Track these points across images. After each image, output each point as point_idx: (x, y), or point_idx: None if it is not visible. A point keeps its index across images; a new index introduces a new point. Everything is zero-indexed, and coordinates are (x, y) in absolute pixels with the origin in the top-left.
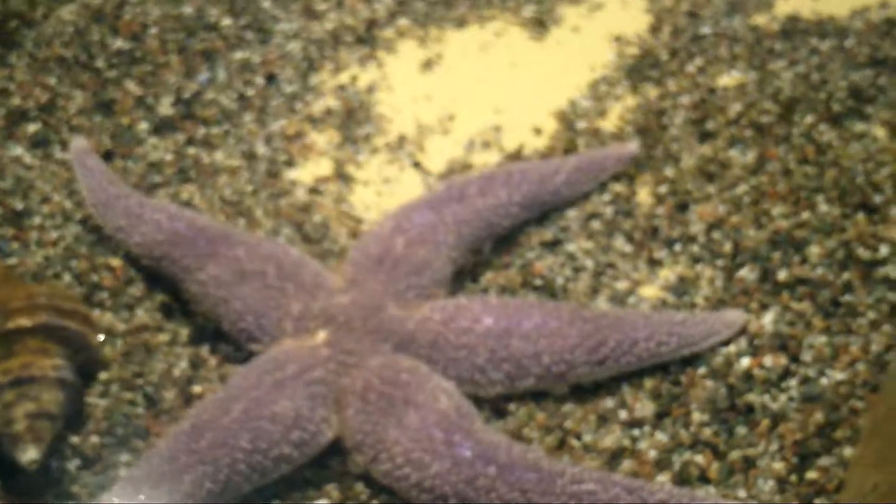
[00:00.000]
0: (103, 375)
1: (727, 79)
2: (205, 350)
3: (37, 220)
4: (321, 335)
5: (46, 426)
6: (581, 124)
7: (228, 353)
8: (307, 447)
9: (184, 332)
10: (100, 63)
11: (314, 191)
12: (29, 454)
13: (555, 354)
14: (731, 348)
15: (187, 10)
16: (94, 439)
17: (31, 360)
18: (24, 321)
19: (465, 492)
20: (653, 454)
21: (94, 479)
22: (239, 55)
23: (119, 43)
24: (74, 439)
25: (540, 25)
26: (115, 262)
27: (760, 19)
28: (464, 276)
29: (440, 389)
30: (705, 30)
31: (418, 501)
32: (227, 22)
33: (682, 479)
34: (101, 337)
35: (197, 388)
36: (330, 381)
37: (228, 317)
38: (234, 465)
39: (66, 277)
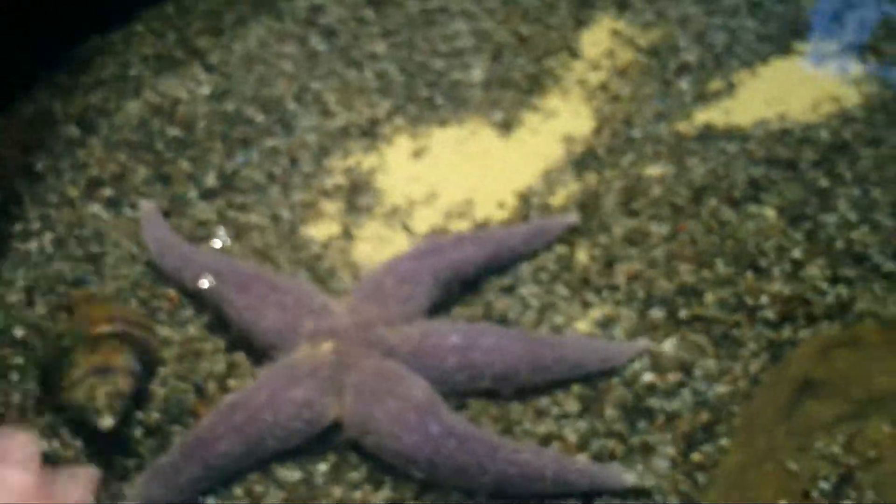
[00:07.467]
0: (163, 371)
1: (651, 170)
2: (239, 356)
3: (110, 260)
4: (328, 345)
5: (120, 403)
6: (535, 200)
7: (256, 358)
8: (315, 424)
9: (223, 343)
10: (159, 146)
11: (325, 245)
12: (106, 422)
13: (504, 364)
14: (638, 365)
15: (229, 107)
16: (155, 415)
17: (110, 356)
18: (105, 328)
19: (432, 457)
20: (575, 439)
21: (153, 444)
22: (269, 143)
23: (174, 131)
24: (140, 415)
25: (506, 127)
26: (171, 292)
27: (681, 126)
28: (439, 310)
29: (416, 385)
30: (636, 133)
31: (397, 465)
32: (259, 118)
33: (596, 457)
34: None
35: (233, 382)
36: (333, 376)
37: (257, 333)
38: (259, 435)
39: (133, 303)
